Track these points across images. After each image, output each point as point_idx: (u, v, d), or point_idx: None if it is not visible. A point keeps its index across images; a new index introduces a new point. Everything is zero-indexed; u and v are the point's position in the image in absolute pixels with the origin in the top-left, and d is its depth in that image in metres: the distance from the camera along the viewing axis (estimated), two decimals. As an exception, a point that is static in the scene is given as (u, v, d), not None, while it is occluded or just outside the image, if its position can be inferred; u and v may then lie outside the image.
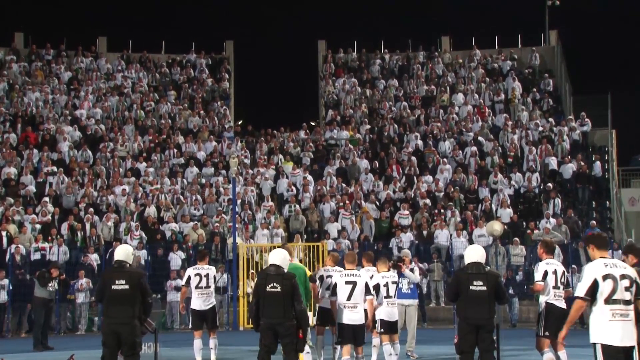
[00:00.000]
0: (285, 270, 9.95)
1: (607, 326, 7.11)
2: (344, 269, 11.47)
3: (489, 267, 9.97)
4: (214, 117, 31.85)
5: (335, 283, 11.14)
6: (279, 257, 10.02)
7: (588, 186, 27.20)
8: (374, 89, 33.96)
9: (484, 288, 9.47)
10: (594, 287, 7.16)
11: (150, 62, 35.07)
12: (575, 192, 27.21)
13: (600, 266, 7.24)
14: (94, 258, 22.74)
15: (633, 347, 7.12)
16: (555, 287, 10.48)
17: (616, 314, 7.10)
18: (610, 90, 29.99)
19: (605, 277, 7.16)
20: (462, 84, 33.68)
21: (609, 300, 7.13)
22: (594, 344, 7.17)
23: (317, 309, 12.50)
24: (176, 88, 33.56)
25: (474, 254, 9.76)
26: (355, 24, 43.79)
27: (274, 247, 15.76)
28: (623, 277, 7.20)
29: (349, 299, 10.94)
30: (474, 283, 9.47)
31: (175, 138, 29.68)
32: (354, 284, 10.98)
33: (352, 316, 10.94)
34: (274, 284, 9.70)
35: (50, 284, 17.71)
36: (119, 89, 32.78)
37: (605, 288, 7.13)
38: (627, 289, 7.17)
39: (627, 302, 7.15)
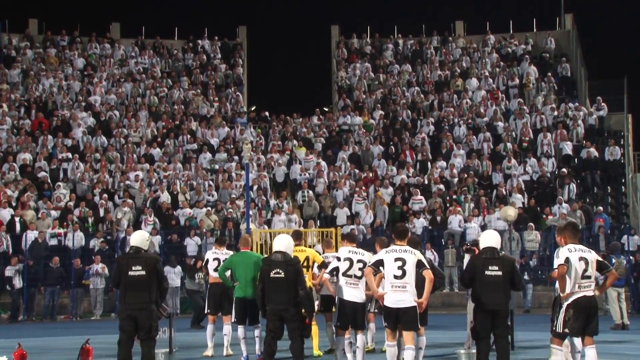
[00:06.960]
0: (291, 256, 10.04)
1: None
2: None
3: (503, 252, 9.93)
4: (227, 103, 31.85)
5: (337, 266, 10.84)
6: (283, 243, 10.16)
7: (604, 171, 27.00)
8: (387, 74, 33.81)
9: (500, 273, 9.46)
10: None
11: (163, 48, 35.07)
12: (592, 178, 27.02)
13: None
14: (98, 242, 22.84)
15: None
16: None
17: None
18: (626, 75, 29.76)
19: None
20: (476, 68, 33.47)
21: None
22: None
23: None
24: (189, 74, 33.56)
25: (489, 239, 9.74)
26: (368, 9, 43.50)
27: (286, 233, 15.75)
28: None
29: (348, 274, 10.71)
30: (490, 268, 9.46)
31: (188, 124, 29.70)
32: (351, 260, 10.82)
33: (353, 292, 10.53)
34: (278, 270, 9.89)
35: (196, 275, 18.14)
36: (132, 75, 32.82)
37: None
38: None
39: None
